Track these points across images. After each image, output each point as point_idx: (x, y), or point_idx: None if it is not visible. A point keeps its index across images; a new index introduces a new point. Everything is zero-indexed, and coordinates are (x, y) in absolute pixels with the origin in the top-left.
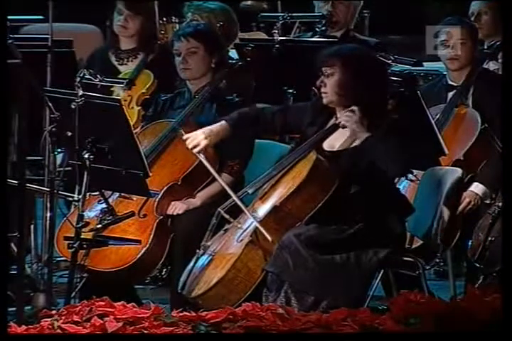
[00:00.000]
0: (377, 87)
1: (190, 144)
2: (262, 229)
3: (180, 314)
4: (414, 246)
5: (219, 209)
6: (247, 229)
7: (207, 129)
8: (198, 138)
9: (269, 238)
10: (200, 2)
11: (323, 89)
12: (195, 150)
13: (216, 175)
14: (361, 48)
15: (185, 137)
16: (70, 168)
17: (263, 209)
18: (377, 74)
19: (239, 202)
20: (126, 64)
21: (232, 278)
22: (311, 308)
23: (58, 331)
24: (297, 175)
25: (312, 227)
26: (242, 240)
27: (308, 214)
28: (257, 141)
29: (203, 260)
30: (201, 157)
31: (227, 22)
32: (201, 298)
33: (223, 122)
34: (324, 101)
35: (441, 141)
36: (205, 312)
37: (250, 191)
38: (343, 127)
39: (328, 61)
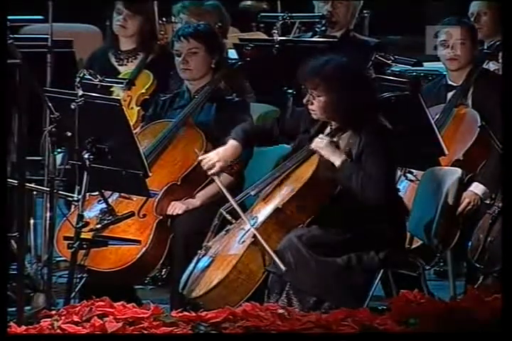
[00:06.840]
0: (365, 99)
1: (205, 165)
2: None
3: (180, 314)
4: (414, 246)
5: (221, 209)
6: (248, 230)
7: (220, 150)
8: (212, 160)
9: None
10: (194, 2)
11: (310, 107)
12: (210, 173)
13: (230, 198)
14: (343, 63)
15: (200, 158)
16: (69, 168)
17: (265, 210)
18: (363, 87)
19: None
20: (125, 64)
21: (234, 280)
22: (313, 309)
23: (58, 331)
24: (300, 177)
25: (314, 228)
26: (243, 241)
27: (310, 216)
28: None
29: (204, 261)
30: (217, 180)
31: (222, 21)
32: (202, 299)
33: (232, 141)
34: (314, 117)
35: (441, 141)
36: (205, 312)
37: (253, 193)
38: (315, 152)
39: (311, 82)
